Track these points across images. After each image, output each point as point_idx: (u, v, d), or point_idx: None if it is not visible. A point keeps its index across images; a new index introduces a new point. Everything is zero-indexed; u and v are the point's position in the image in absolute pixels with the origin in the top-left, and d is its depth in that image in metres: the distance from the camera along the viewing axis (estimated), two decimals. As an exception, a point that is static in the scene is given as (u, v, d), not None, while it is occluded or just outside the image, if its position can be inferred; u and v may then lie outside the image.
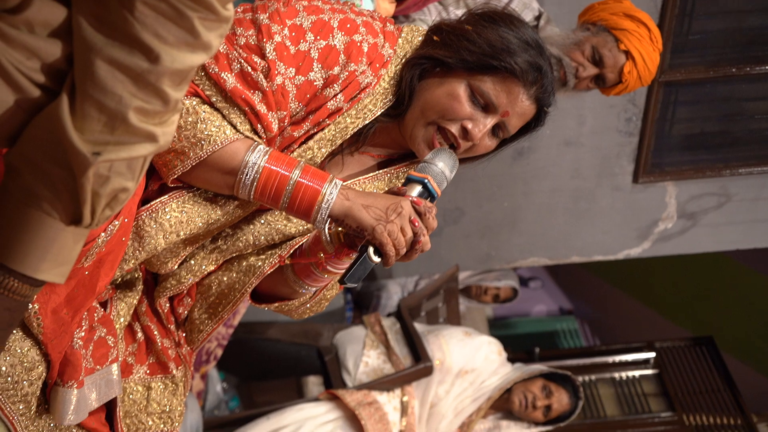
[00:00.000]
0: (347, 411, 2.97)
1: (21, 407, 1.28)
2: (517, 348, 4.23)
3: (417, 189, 1.43)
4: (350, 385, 3.14)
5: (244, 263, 1.59)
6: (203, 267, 1.58)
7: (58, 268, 1.02)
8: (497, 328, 5.78)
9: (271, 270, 1.56)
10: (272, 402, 3.13)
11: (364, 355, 3.21)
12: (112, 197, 0.98)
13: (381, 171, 1.62)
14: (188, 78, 0.96)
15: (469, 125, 1.48)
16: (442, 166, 1.44)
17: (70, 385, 1.32)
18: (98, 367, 1.40)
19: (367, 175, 1.60)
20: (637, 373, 4.51)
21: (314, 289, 1.61)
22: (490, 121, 1.49)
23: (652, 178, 3.84)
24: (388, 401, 3.01)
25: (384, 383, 3.05)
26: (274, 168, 1.38)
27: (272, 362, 3.84)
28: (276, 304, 1.65)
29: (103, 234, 1.26)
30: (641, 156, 3.77)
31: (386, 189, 1.58)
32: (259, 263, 1.56)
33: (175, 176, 1.41)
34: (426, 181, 1.43)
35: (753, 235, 4.09)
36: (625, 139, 3.75)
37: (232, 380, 3.78)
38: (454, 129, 1.48)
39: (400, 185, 1.46)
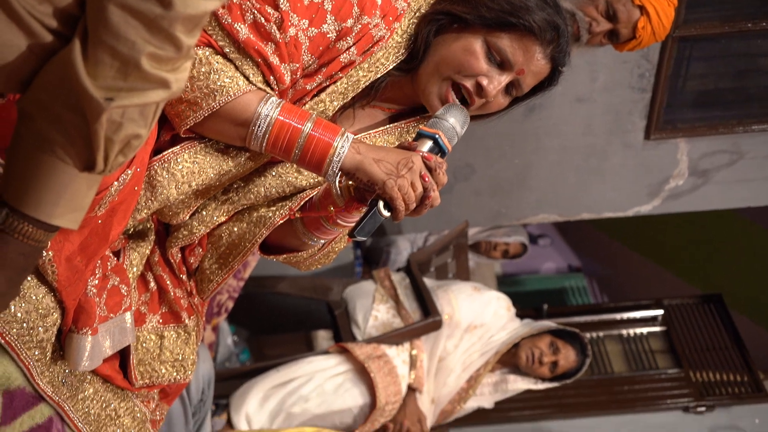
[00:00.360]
0: (357, 364, 3.00)
1: (36, 353, 1.30)
2: (526, 305, 4.25)
3: (428, 144, 1.43)
4: (360, 338, 3.16)
5: (254, 214, 1.60)
6: (214, 218, 1.59)
7: (72, 214, 1.03)
8: (506, 284, 5.79)
9: (282, 221, 1.57)
10: (282, 355, 3.16)
11: (373, 309, 3.23)
12: (125, 143, 0.98)
13: (392, 125, 1.63)
14: (201, 24, 0.96)
15: (484, 82, 1.47)
16: (453, 121, 1.44)
17: (84, 332, 1.34)
18: (112, 315, 1.42)
19: (377, 129, 1.61)
20: (644, 330, 4.55)
21: (323, 241, 1.62)
22: (504, 79, 1.49)
23: (664, 135, 3.81)
24: (397, 355, 3.03)
25: (393, 337, 3.08)
26: (287, 120, 1.38)
27: (282, 316, 3.87)
28: (284, 256, 1.67)
29: (115, 183, 1.27)
30: (653, 112, 3.74)
31: (396, 143, 1.58)
32: (270, 215, 1.58)
33: (188, 127, 1.42)
34: (437, 136, 1.43)
35: (765, 193, 4.07)
36: (638, 95, 3.71)
37: (243, 334, 3.81)
38: (469, 84, 1.48)
39: (410, 140, 1.46)
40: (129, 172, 1.29)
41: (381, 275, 3.39)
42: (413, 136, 1.55)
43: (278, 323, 3.89)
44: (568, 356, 3.17)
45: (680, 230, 5.54)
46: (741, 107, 3.81)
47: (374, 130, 1.60)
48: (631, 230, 5.77)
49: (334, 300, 3.36)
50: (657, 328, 4.54)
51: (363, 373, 2.98)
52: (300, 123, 1.38)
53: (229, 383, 3.00)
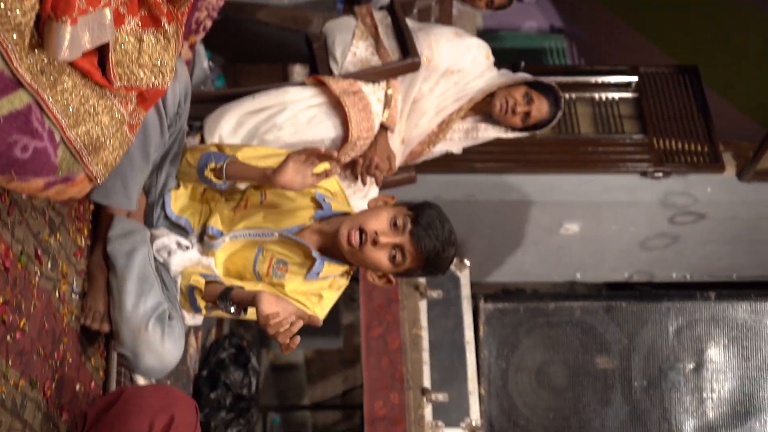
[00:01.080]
0: (332, 98, 2.99)
1: (14, 36, 1.29)
2: (504, 61, 4.21)
3: None
4: (337, 74, 3.13)
5: None
6: None
7: None
8: (485, 39, 5.66)
9: None
10: (257, 84, 3.13)
11: (352, 45, 3.16)
12: None
13: None
14: None
15: None
16: None
17: (63, 20, 1.32)
18: (91, 8, 1.39)
19: None
20: (617, 95, 4.58)
21: None
22: None
23: None
24: (373, 92, 3.02)
25: (370, 75, 3.05)
26: None
27: (260, 45, 3.79)
28: None
29: None
30: None
31: None
32: None
33: None
34: None
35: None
36: None
37: (219, 60, 3.76)
38: None
39: None
40: None
41: (363, 12, 3.29)
42: None
43: (255, 52, 3.82)
44: (541, 108, 3.19)
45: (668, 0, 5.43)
46: None
47: None
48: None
49: (314, 33, 3.28)
50: (629, 95, 4.57)
51: (337, 107, 2.98)
52: None
53: (203, 106, 2.99)
